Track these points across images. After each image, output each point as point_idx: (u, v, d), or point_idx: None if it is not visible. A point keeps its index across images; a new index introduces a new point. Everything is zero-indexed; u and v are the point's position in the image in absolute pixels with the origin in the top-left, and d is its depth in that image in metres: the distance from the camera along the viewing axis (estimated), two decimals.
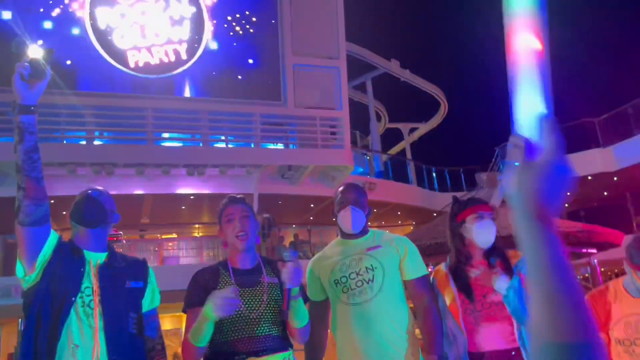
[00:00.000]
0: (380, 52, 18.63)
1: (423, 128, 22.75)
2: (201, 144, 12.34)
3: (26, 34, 10.11)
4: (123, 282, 2.03)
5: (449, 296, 2.28)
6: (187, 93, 12.42)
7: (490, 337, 2.19)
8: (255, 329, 1.99)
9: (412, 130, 22.66)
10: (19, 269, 1.96)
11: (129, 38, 11.91)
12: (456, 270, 2.32)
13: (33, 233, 1.90)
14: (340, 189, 2.45)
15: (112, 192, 2.23)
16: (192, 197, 13.11)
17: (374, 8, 22.04)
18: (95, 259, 2.03)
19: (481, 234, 2.30)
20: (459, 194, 16.15)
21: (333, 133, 13.41)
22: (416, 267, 2.32)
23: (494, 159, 16.51)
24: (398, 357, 2.20)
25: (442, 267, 2.41)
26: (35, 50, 1.81)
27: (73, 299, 1.90)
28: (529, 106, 0.72)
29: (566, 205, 15.64)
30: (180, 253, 14.13)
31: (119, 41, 11.82)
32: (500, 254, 2.33)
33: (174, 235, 15.60)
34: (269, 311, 2.03)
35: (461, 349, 2.19)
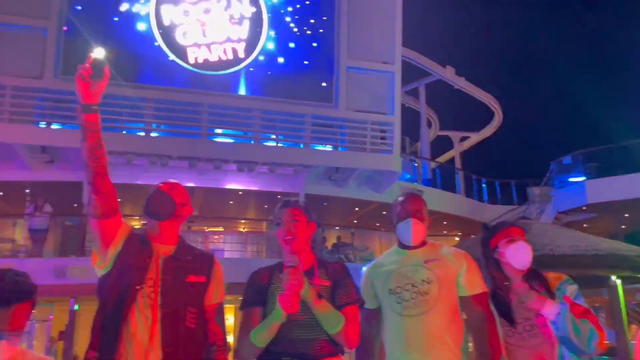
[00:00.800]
0: (436, 58, 18.37)
1: (475, 137, 22.27)
2: (252, 142, 12.54)
3: (90, 29, 10.55)
4: (185, 275, 2.04)
5: None
6: (242, 91, 12.65)
7: (532, 359, 2.16)
8: (305, 331, 1.99)
9: (463, 139, 22.23)
10: (94, 257, 2.04)
11: (191, 35, 12.26)
12: (495, 295, 2.29)
13: (103, 224, 1.99)
14: (401, 199, 2.39)
15: None
16: (240, 192, 13.34)
17: (432, 14, 21.74)
18: (162, 251, 2.07)
19: (516, 256, 2.27)
20: (508, 208, 15.61)
21: (383, 138, 13.32)
22: (474, 283, 2.25)
23: (547, 174, 15.96)
24: None
25: None
26: (97, 51, 1.90)
27: (137, 288, 1.95)
28: None
29: (623, 227, 14.91)
30: (225, 247, 14.35)
31: (180, 38, 12.19)
32: (538, 275, 2.29)
33: (220, 229, 15.89)
34: None
35: None
